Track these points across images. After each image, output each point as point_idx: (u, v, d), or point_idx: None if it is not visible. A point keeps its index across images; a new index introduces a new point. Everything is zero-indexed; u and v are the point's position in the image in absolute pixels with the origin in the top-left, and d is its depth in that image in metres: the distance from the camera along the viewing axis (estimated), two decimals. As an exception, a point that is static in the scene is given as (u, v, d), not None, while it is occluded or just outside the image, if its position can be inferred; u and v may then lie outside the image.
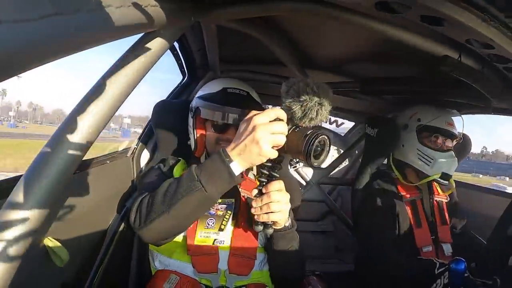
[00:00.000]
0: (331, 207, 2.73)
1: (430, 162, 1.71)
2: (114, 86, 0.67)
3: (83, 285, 1.26)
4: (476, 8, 0.73)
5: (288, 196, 1.05)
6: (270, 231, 1.07)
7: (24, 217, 0.54)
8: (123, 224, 1.53)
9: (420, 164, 1.75)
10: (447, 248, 1.72)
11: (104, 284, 1.34)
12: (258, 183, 1.06)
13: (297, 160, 1.02)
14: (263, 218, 1.04)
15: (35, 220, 0.55)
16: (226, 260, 1.20)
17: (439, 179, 1.72)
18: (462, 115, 1.93)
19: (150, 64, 0.76)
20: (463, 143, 1.95)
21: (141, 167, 1.86)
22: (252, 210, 1.05)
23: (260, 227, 1.06)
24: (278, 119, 0.91)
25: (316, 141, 0.86)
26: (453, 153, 1.74)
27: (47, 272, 1.03)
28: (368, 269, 1.75)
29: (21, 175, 0.58)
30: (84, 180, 1.28)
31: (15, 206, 0.54)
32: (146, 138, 1.91)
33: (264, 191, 1.03)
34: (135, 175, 1.81)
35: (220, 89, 1.30)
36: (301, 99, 0.89)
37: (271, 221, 1.05)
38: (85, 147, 0.64)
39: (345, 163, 3.09)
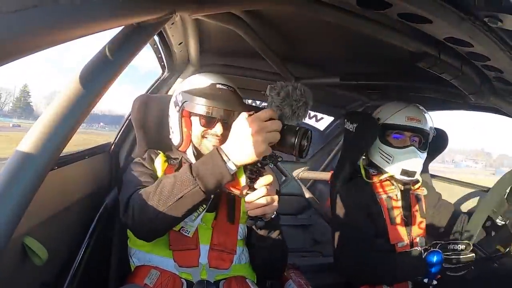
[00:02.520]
0: (310, 201, 2.77)
1: (389, 160, 1.72)
2: (93, 80, 0.66)
3: (63, 283, 1.24)
4: (456, 6, 0.75)
5: (275, 189, 1.10)
6: (261, 223, 1.10)
7: (1, 215, 0.52)
8: (102, 220, 1.51)
9: (381, 162, 1.76)
10: (421, 242, 1.75)
11: (84, 281, 1.32)
12: (248, 180, 1.09)
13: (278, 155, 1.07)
14: (256, 212, 1.07)
15: (13, 218, 0.53)
16: (207, 255, 1.22)
17: (400, 176, 1.72)
18: (441, 111, 1.95)
19: (130, 58, 0.75)
20: (438, 139, 1.96)
21: (120, 162, 1.83)
22: (246, 205, 1.08)
23: (252, 221, 1.10)
24: (271, 119, 0.98)
25: (305, 136, 0.98)
26: (414, 148, 1.71)
27: (26, 271, 1.01)
28: (346, 263, 1.77)
29: None
30: (62, 176, 1.25)
31: None
32: (125, 133, 1.87)
33: (256, 186, 1.06)
34: (114, 170, 1.78)
35: (209, 84, 1.30)
36: (292, 100, 0.98)
37: (263, 214, 1.09)
38: (62, 143, 0.62)
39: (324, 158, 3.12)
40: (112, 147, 1.82)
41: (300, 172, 2.70)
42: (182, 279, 1.18)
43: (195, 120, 1.30)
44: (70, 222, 1.34)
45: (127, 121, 1.86)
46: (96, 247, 1.43)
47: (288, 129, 0.99)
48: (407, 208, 1.77)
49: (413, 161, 1.70)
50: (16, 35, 0.38)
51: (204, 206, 1.22)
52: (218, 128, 1.27)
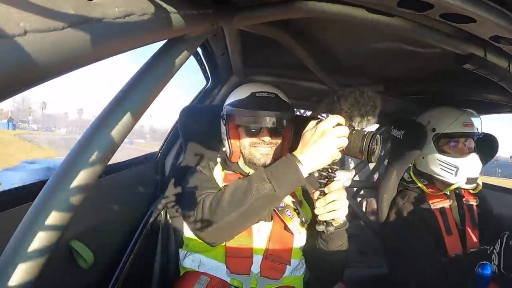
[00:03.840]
0: (356, 210, 2.68)
1: (453, 171, 1.66)
2: (139, 92, 0.68)
3: (107, 286, 1.29)
4: (499, 4, 0.70)
5: (345, 193, 1.11)
6: (332, 228, 1.11)
7: (50, 219, 0.55)
8: (147, 226, 1.56)
9: (443, 174, 1.70)
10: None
11: (128, 285, 1.36)
12: (318, 184, 1.12)
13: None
14: (326, 217, 1.09)
15: (61, 223, 0.56)
16: (259, 263, 1.23)
17: (465, 185, 1.68)
18: (490, 115, 1.85)
19: (174, 70, 0.77)
20: (490, 144, 1.87)
21: (166, 171, 1.89)
22: (316, 211, 1.10)
23: (322, 227, 1.12)
24: (339, 124, 1.03)
25: (374, 139, 1.00)
26: (475, 154, 1.68)
27: (72, 273, 1.06)
28: (403, 274, 1.72)
29: (47, 179, 0.60)
30: (110, 184, 1.32)
31: (42, 208, 0.55)
32: (171, 142, 1.94)
33: (326, 191, 1.09)
34: (160, 178, 1.84)
35: (248, 95, 1.33)
36: (360, 104, 1.04)
37: (332, 219, 1.11)
38: (111, 151, 0.65)
39: (370, 165, 3.03)
40: (159, 155, 1.89)
41: (345, 181, 2.63)
42: (232, 286, 1.20)
43: (241, 131, 1.33)
44: (116, 228, 1.40)
45: (173, 131, 1.92)
46: (141, 253, 1.47)
47: (357, 133, 1.02)
48: (461, 218, 1.71)
49: (476, 168, 1.67)
50: (63, 52, 0.40)
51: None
52: (265, 136, 1.29)
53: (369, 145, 0.99)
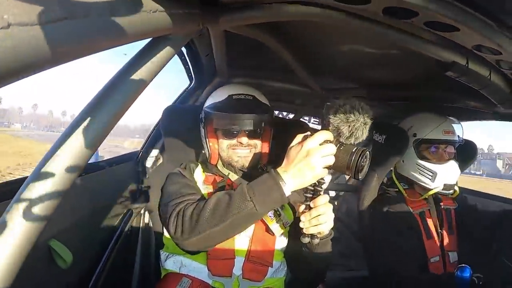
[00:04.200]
0: (336, 213, 2.71)
1: (431, 176, 1.70)
2: (121, 91, 0.67)
3: (87, 286, 1.26)
4: (483, 14, 0.73)
5: (331, 207, 1.10)
6: (317, 241, 1.10)
7: (29, 218, 0.54)
8: (127, 226, 1.54)
9: (421, 179, 1.74)
10: (453, 256, 1.71)
11: (108, 285, 1.34)
12: (304, 198, 1.10)
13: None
14: (312, 230, 1.08)
15: (40, 222, 0.55)
16: (241, 265, 1.23)
17: (442, 191, 1.72)
18: (470, 121, 1.90)
19: (158, 69, 0.77)
20: (469, 150, 1.93)
21: (147, 170, 1.87)
22: (301, 224, 1.08)
23: (307, 239, 1.10)
24: (326, 141, 0.99)
25: (363, 157, 0.96)
26: (454, 161, 1.73)
27: (51, 273, 1.04)
28: (384, 276, 1.75)
29: (27, 177, 0.59)
30: (89, 183, 1.29)
31: (20, 207, 0.54)
32: (152, 142, 1.92)
33: (312, 205, 1.06)
34: (141, 178, 1.82)
35: (226, 97, 1.34)
36: (349, 120, 0.98)
37: (318, 232, 1.09)
38: (90, 150, 0.64)
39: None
40: (140, 155, 1.86)
41: (327, 184, 2.66)
42: None
43: (219, 134, 1.35)
44: (96, 228, 1.38)
45: (154, 130, 1.90)
46: (121, 253, 1.46)
47: (345, 149, 0.98)
48: (439, 222, 1.75)
49: (454, 174, 1.72)
50: (46, 47, 0.39)
51: None
52: (242, 139, 1.30)
53: (357, 162, 0.96)
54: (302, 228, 1.09)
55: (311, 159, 0.96)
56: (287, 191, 1.01)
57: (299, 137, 1.03)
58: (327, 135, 0.99)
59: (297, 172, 0.99)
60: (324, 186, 1.13)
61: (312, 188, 1.07)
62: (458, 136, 1.75)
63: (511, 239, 1.57)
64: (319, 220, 1.05)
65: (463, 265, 1.35)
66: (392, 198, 1.82)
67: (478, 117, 1.96)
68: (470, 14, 0.73)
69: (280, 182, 1.00)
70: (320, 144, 0.98)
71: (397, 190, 1.84)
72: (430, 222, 1.74)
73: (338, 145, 1.00)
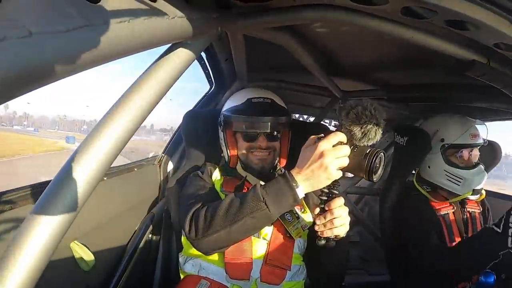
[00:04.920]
0: (358, 217, 2.67)
1: (460, 182, 1.66)
2: (142, 96, 0.68)
3: None
4: (503, 10, 0.70)
5: (347, 209, 1.08)
6: (333, 243, 1.09)
7: (52, 221, 0.55)
8: (149, 230, 1.56)
9: (449, 185, 1.69)
10: None
11: (129, 287, 1.36)
12: (319, 201, 1.09)
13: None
14: (327, 233, 1.07)
15: (63, 225, 0.56)
16: (259, 268, 1.23)
17: (470, 196, 1.70)
18: (492, 122, 1.84)
19: (178, 75, 0.78)
20: (493, 152, 1.87)
21: (168, 174, 1.89)
22: (316, 227, 1.08)
23: (323, 242, 1.09)
24: (340, 143, 0.98)
25: (377, 158, 0.95)
26: (481, 166, 1.69)
27: (73, 275, 1.06)
28: (406, 280, 1.72)
29: (50, 180, 0.60)
30: (111, 187, 1.32)
31: (44, 210, 0.55)
32: (174, 146, 1.94)
33: (327, 208, 1.06)
34: (161, 182, 1.84)
35: (245, 100, 1.36)
36: (361, 122, 0.96)
37: (334, 235, 1.08)
38: (113, 155, 0.65)
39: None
40: (161, 159, 1.89)
41: (348, 187, 2.62)
42: None
43: (238, 137, 1.36)
44: (118, 231, 1.40)
45: (176, 135, 1.92)
46: (142, 256, 1.47)
47: (359, 151, 0.98)
48: (464, 225, 1.71)
49: (482, 179, 1.68)
50: (67, 55, 0.40)
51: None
52: (261, 142, 1.31)
53: (371, 164, 0.95)
54: (317, 232, 1.08)
55: (324, 160, 0.95)
56: (300, 193, 1.00)
57: (312, 138, 1.02)
58: (341, 136, 0.98)
59: (311, 173, 0.98)
60: (341, 189, 1.11)
61: (327, 191, 1.07)
62: (482, 138, 1.72)
63: None
64: (334, 223, 1.04)
65: (488, 270, 1.32)
66: (415, 200, 1.78)
67: (501, 117, 1.89)
68: (491, 11, 0.70)
69: (293, 184, 0.99)
70: (333, 146, 0.97)
71: (419, 193, 1.80)
72: (454, 225, 1.70)
73: (352, 147, 0.98)
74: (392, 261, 1.94)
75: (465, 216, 1.72)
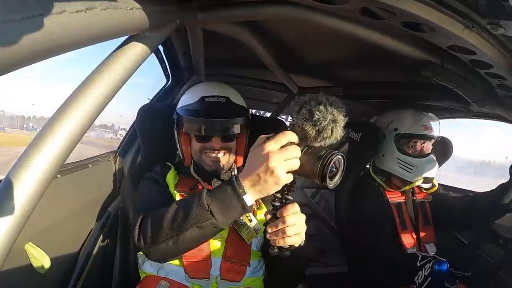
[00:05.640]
0: (314, 210, 2.74)
1: (412, 169, 1.77)
2: (97, 89, 0.66)
3: None
4: (458, 14, 0.75)
5: (303, 217, 0.98)
6: (287, 253, 0.98)
7: (4, 221, 0.52)
8: (105, 228, 1.51)
9: (401, 172, 1.80)
10: (431, 248, 1.77)
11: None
12: (271, 207, 0.99)
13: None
14: (280, 242, 0.96)
15: (16, 225, 0.53)
16: (219, 266, 1.21)
17: (422, 184, 1.80)
18: (445, 119, 1.97)
19: (134, 68, 0.76)
20: (444, 147, 2.01)
21: (124, 171, 1.83)
22: (268, 236, 0.98)
23: (276, 251, 0.98)
24: (290, 143, 0.87)
25: (332, 162, 0.83)
26: (432, 156, 1.79)
27: (28, 278, 1.01)
28: (362, 270, 1.80)
29: (1, 179, 0.57)
30: (65, 184, 1.26)
31: None
32: (129, 141, 1.88)
33: (279, 215, 0.94)
34: (117, 179, 1.79)
35: (198, 99, 1.30)
36: (314, 118, 0.82)
37: (288, 245, 0.97)
38: (66, 151, 0.63)
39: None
40: (116, 155, 1.83)
41: (305, 181, 2.69)
42: None
43: (192, 137, 1.31)
44: (73, 230, 1.34)
45: (131, 130, 1.87)
46: (99, 256, 1.43)
47: (313, 152, 0.86)
48: (415, 214, 1.82)
49: (433, 168, 1.78)
50: (22, 43, 0.38)
51: None
52: (214, 143, 1.27)
53: (324, 168, 0.83)
54: (270, 241, 0.98)
55: (270, 163, 0.84)
56: (249, 201, 0.90)
57: (261, 138, 0.91)
58: (290, 136, 0.86)
59: (257, 178, 0.87)
60: (298, 183, 0.98)
61: (280, 196, 0.95)
62: (435, 132, 1.82)
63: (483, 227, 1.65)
64: (287, 232, 0.93)
65: (441, 258, 1.40)
66: (370, 189, 1.88)
67: (453, 115, 2.04)
68: (445, 15, 0.75)
69: (240, 191, 0.89)
70: (282, 147, 0.86)
71: (374, 182, 1.90)
72: (405, 213, 1.80)
73: (306, 148, 0.87)
74: (348, 252, 2.03)
75: (415, 205, 1.84)
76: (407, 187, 1.82)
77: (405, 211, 1.81)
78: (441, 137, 1.89)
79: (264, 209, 1.32)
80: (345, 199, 1.96)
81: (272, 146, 0.85)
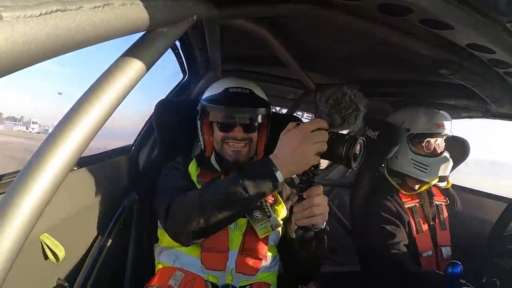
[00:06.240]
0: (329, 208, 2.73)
1: (427, 169, 1.73)
2: (114, 84, 0.67)
3: (79, 281, 1.26)
4: (477, 12, 0.73)
5: (326, 199, 1.07)
6: (311, 234, 1.06)
7: (21, 213, 0.53)
8: (120, 221, 1.53)
9: (416, 173, 1.77)
10: (446, 251, 1.75)
11: (100, 280, 1.34)
12: (298, 189, 1.07)
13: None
14: (304, 222, 1.04)
15: (32, 216, 0.54)
16: (235, 259, 1.23)
17: (437, 183, 1.76)
18: (462, 119, 1.93)
19: (151, 63, 0.76)
20: (462, 148, 1.96)
21: (140, 165, 1.86)
22: (294, 216, 1.06)
23: (301, 231, 1.05)
24: (319, 130, 0.96)
25: (356, 145, 0.95)
26: (447, 153, 1.76)
27: (43, 268, 1.03)
28: (376, 270, 1.79)
29: (19, 171, 0.58)
30: (82, 177, 1.28)
31: (12, 201, 0.53)
32: (145, 135, 1.90)
33: (305, 196, 1.03)
34: (133, 172, 1.81)
35: (222, 90, 1.33)
36: (341, 107, 0.95)
37: (312, 225, 1.05)
38: (83, 145, 0.63)
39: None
40: (133, 149, 1.85)
41: (319, 179, 2.68)
42: (207, 282, 1.19)
43: (215, 126, 1.33)
44: (88, 222, 1.37)
45: (147, 124, 1.89)
46: (113, 248, 1.45)
47: (338, 138, 0.97)
48: (431, 217, 1.79)
49: (447, 166, 1.75)
50: (40, 39, 0.39)
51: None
52: (237, 132, 1.29)
53: (349, 151, 0.94)
54: (295, 221, 1.06)
55: (303, 144, 0.95)
56: (280, 178, 0.98)
57: (291, 124, 1.01)
58: (320, 123, 0.97)
59: (289, 158, 0.97)
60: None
61: (306, 178, 1.04)
62: (448, 130, 1.78)
63: (502, 238, 1.59)
64: (312, 212, 1.02)
65: (454, 261, 1.37)
66: (384, 192, 1.85)
67: (470, 115, 1.98)
68: (465, 12, 0.73)
69: (273, 169, 0.98)
70: (312, 131, 0.96)
71: (390, 185, 1.86)
72: (421, 217, 1.77)
73: (331, 133, 0.98)
74: (362, 252, 2.01)
75: (432, 208, 1.81)
76: (423, 188, 1.78)
77: (420, 214, 1.78)
78: (457, 137, 1.85)
79: (282, 205, 1.36)
80: (360, 200, 1.94)
81: (304, 129, 0.96)
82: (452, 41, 0.90)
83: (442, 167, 1.73)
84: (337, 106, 0.95)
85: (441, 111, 1.79)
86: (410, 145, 1.79)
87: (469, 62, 1.03)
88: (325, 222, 1.10)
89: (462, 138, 1.98)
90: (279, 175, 0.98)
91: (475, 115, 1.98)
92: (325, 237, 1.19)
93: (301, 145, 0.95)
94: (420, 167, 1.74)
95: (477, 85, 1.13)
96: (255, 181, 0.99)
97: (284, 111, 2.95)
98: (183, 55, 1.84)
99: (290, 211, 1.14)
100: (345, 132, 1.01)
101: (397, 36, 0.97)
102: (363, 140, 0.98)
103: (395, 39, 0.98)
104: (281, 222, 1.31)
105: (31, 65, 0.40)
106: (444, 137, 1.79)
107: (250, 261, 1.25)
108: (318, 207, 1.03)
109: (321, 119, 0.98)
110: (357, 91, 0.97)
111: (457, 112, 1.96)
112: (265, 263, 1.28)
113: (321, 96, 0.99)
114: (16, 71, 0.39)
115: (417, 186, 1.81)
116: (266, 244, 1.29)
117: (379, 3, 0.77)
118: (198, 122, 1.38)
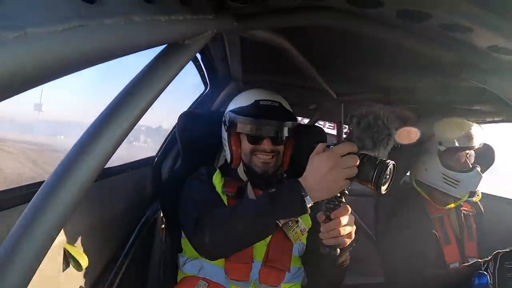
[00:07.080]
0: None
1: (457, 185, 1.67)
2: (136, 97, 0.68)
3: None
4: (498, 15, 0.71)
5: (353, 218, 1.06)
6: (337, 252, 1.05)
7: (45, 221, 0.54)
8: (143, 231, 1.55)
9: (446, 188, 1.70)
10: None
11: None
12: (325, 208, 1.06)
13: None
14: (331, 242, 1.03)
15: (56, 226, 0.55)
16: (258, 270, 1.23)
17: (468, 198, 1.71)
18: (487, 124, 1.86)
19: (173, 76, 0.77)
20: (487, 155, 1.89)
21: (163, 176, 1.88)
22: (321, 235, 1.05)
23: (327, 249, 1.05)
24: (349, 153, 0.94)
25: (387, 170, 0.92)
26: (478, 168, 1.69)
27: (65, 278, 1.05)
28: (400, 283, 1.73)
29: (43, 181, 0.59)
30: (105, 188, 1.31)
31: (37, 210, 0.55)
32: (169, 147, 1.94)
33: (332, 217, 1.02)
34: (156, 183, 1.84)
35: (252, 102, 1.33)
36: (373, 131, 0.94)
37: (338, 244, 1.04)
38: (107, 156, 0.64)
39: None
40: (156, 160, 1.88)
41: None
42: None
43: (243, 138, 1.33)
44: (112, 232, 1.39)
45: (170, 136, 1.92)
46: (136, 257, 1.47)
47: (368, 161, 0.94)
48: (458, 228, 1.74)
49: (478, 181, 1.69)
50: (61, 55, 0.40)
51: None
52: (266, 145, 1.29)
53: (380, 176, 0.91)
54: (322, 239, 1.05)
55: (334, 170, 0.93)
56: (308, 202, 0.97)
57: (321, 146, 1.00)
58: (351, 146, 0.95)
59: (320, 183, 0.95)
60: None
61: (334, 198, 1.03)
62: (478, 140, 1.72)
63: None
64: (340, 232, 1.01)
65: (481, 271, 1.33)
66: (411, 202, 1.79)
67: (495, 119, 1.92)
68: (485, 15, 0.71)
69: (303, 194, 0.97)
70: (343, 156, 0.94)
71: (417, 195, 1.81)
72: (448, 228, 1.72)
73: (362, 156, 0.95)
74: (387, 264, 1.95)
75: (460, 219, 1.75)
76: (452, 205, 1.72)
77: (447, 224, 1.72)
78: (484, 144, 1.79)
79: (307, 215, 1.33)
80: (383, 209, 1.89)
81: (335, 154, 0.94)
82: (473, 44, 0.87)
83: (473, 182, 1.67)
84: (369, 131, 0.94)
85: (472, 122, 1.73)
86: (441, 158, 1.72)
87: (491, 64, 1.00)
88: (351, 242, 1.08)
89: (488, 145, 1.91)
90: (308, 200, 0.97)
91: (502, 119, 1.91)
92: (348, 256, 1.19)
93: (332, 171, 0.93)
94: (451, 182, 1.68)
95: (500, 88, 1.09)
96: (285, 208, 1.00)
97: (306, 121, 2.93)
98: (204, 67, 1.86)
99: (314, 220, 1.12)
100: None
101: (417, 42, 0.95)
102: (393, 165, 0.95)
103: (416, 45, 0.96)
104: (308, 227, 1.31)
105: (53, 79, 0.41)
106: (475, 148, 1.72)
107: (274, 272, 1.24)
108: (345, 227, 1.02)
109: (351, 143, 0.96)
110: (390, 113, 0.96)
111: (484, 117, 1.89)
112: (289, 274, 1.27)
113: (352, 117, 0.97)
114: (39, 85, 0.40)
115: (446, 201, 1.74)
116: (290, 255, 1.28)
117: (397, 9, 0.76)
118: (225, 133, 1.39)
